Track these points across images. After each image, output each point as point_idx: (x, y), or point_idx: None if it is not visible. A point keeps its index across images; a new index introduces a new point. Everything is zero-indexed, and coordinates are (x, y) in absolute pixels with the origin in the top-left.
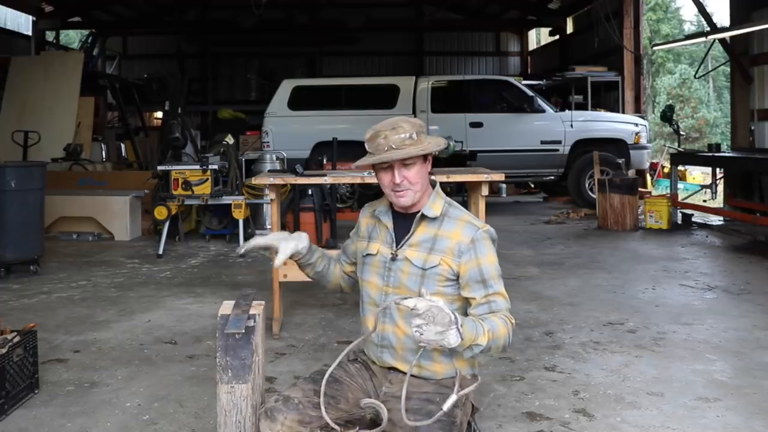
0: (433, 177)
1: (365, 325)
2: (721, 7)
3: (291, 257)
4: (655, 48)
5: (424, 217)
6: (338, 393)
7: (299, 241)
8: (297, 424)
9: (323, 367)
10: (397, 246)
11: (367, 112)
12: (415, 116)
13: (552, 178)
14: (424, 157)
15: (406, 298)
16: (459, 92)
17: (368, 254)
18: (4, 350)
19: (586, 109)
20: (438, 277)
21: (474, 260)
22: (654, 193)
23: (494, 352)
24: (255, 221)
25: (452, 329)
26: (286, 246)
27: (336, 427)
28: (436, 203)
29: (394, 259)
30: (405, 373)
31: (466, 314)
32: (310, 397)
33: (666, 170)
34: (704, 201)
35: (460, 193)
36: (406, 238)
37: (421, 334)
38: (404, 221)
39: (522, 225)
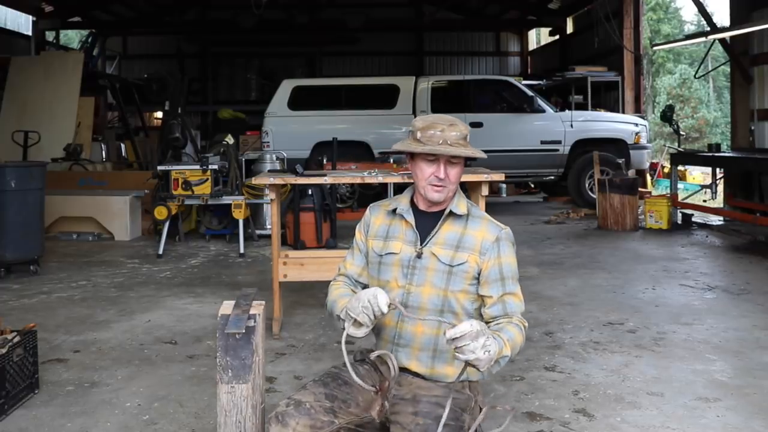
0: None
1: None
2: (721, 7)
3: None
4: (655, 48)
5: (451, 214)
6: (349, 397)
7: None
8: (309, 429)
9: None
10: (421, 243)
11: (367, 112)
12: (414, 116)
13: (552, 178)
14: (465, 162)
15: (453, 326)
16: (459, 92)
17: (389, 253)
18: (4, 350)
19: (586, 109)
20: (464, 274)
21: (496, 258)
22: (654, 193)
23: (512, 359)
24: (255, 221)
25: (490, 338)
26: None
27: (370, 388)
28: (461, 202)
29: (419, 256)
30: (415, 375)
31: (480, 315)
32: (322, 401)
33: (666, 170)
34: (704, 201)
35: None
36: (431, 235)
37: (473, 353)
38: (427, 219)
39: (522, 225)
